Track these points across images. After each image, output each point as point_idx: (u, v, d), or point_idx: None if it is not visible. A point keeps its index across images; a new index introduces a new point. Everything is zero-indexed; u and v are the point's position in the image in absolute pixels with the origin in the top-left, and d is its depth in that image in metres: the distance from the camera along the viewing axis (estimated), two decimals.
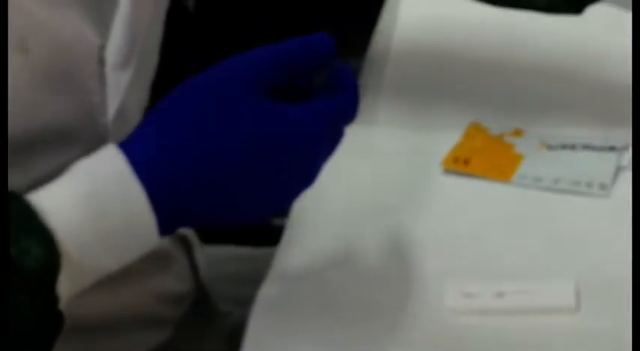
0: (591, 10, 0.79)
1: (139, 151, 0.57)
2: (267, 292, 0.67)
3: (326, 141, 0.60)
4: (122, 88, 0.67)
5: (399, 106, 0.84)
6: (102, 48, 0.64)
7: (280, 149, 0.58)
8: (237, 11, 0.89)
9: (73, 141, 0.65)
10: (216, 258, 0.80)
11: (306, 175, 0.60)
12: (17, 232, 0.53)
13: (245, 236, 0.84)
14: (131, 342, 0.72)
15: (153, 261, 0.71)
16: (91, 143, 0.64)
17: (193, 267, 0.76)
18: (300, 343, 0.64)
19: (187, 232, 0.76)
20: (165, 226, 0.56)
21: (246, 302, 0.74)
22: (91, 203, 0.56)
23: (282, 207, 0.63)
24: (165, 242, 0.73)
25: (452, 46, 0.92)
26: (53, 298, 0.53)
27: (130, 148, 0.57)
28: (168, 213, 0.56)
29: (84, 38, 0.64)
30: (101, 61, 0.65)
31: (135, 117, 0.69)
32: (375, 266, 0.70)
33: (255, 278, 0.76)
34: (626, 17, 0.85)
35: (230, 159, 0.57)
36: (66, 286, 0.54)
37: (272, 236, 0.75)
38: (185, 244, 0.76)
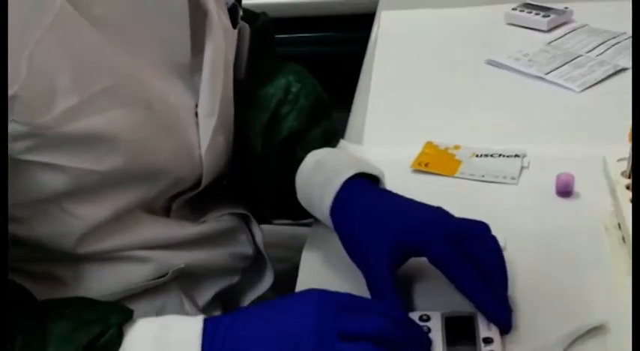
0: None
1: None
2: (308, 247, 0.75)
3: None
4: (210, 130, 0.70)
5: (377, 131, 0.95)
6: (196, 106, 0.69)
7: None
8: None
9: (172, 172, 0.69)
10: (266, 232, 0.82)
11: None
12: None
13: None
14: (213, 284, 0.78)
15: (227, 232, 0.78)
16: (187, 172, 0.71)
17: (252, 235, 0.80)
18: (336, 278, 0.70)
19: (246, 210, 0.80)
20: None
21: (286, 260, 0.84)
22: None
23: None
24: (235, 220, 0.79)
25: (414, 90, 1.06)
26: None
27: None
28: None
29: (185, 100, 0.69)
30: (196, 114, 0.70)
31: (222, 149, 0.74)
32: None
33: (291, 245, 0.86)
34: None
35: None
36: None
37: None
38: (245, 220, 0.80)
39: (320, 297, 0.58)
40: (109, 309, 0.59)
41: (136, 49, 0.63)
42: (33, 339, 0.54)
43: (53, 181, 0.61)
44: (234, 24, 0.74)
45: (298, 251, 0.80)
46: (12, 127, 0.56)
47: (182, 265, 0.72)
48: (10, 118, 0.55)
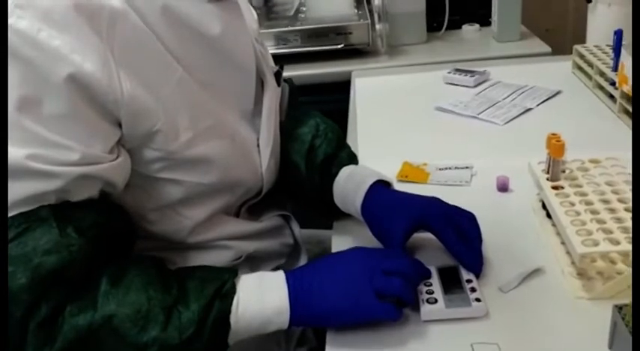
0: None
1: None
2: (335, 237, 0.84)
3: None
4: (268, 155, 0.78)
5: (367, 156, 1.00)
6: (258, 139, 0.77)
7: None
8: None
9: (245, 184, 0.76)
10: (301, 233, 0.89)
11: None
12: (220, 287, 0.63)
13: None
14: (268, 264, 0.84)
15: (277, 228, 0.86)
16: (253, 184, 0.77)
17: (291, 230, 0.88)
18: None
19: (287, 212, 0.87)
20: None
21: (309, 251, 0.92)
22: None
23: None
24: (280, 219, 0.86)
25: (389, 129, 1.13)
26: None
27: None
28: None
29: (250, 136, 0.76)
30: (258, 145, 0.77)
31: (273, 168, 0.81)
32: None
33: (310, 241, 0.97)
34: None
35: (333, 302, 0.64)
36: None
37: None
38: (286, 219, 0.88)
39: (364, 250, 0.70)
40: (221, 270, 0.68)
41: (222, 100, 0.72)
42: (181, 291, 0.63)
43: (174, 192, 0.70)
44: (278, 83, 0.84)
45: (315, 245, 0.92)
46: (152, 154, 0.66)
47: (252, 251, 0.80)
48: (150, 146, 0.65)
